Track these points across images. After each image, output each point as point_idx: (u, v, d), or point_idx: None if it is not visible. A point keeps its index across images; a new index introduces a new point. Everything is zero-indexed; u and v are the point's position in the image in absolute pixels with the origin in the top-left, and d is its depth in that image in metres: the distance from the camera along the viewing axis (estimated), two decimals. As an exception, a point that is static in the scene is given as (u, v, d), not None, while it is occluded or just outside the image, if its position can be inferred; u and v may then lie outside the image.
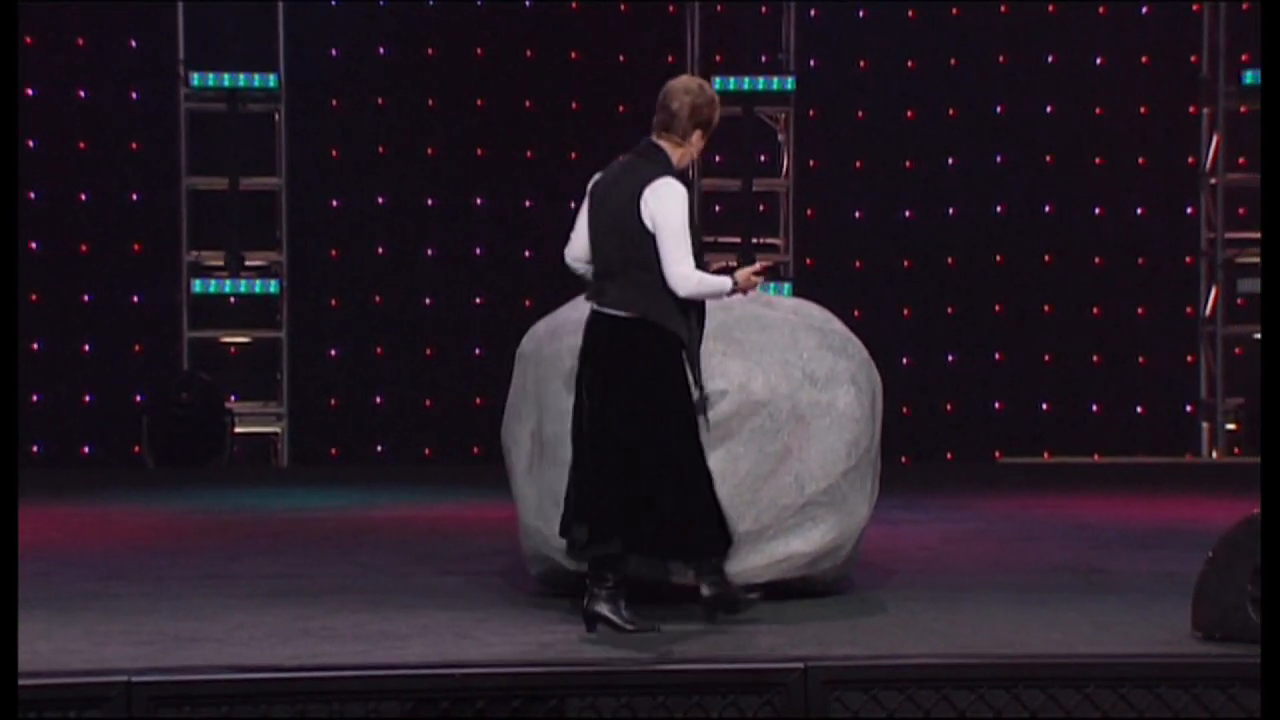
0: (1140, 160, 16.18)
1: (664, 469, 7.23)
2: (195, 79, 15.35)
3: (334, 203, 15.66)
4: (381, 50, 15.64)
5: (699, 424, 7.40)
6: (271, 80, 15.36)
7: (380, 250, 15.69)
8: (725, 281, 7.45)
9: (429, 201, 15.72)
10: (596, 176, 7.64)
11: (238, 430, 15.37)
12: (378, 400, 15.65)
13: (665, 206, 7.33)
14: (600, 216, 7.46)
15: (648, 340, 7.28)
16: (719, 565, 7.53)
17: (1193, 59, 16.22)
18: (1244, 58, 16.14)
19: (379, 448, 15.64)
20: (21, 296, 14.16)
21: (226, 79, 15.33)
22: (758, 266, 7.65)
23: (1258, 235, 16.27)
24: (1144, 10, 16.18)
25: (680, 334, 7.31)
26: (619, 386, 7.26)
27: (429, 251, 15.73)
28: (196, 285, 15.38)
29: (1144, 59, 16.15)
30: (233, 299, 15.51)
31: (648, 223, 7.32)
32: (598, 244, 7.44)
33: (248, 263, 15.50)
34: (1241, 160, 16.33)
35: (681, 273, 7.30)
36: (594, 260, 7.46)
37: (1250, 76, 15.99)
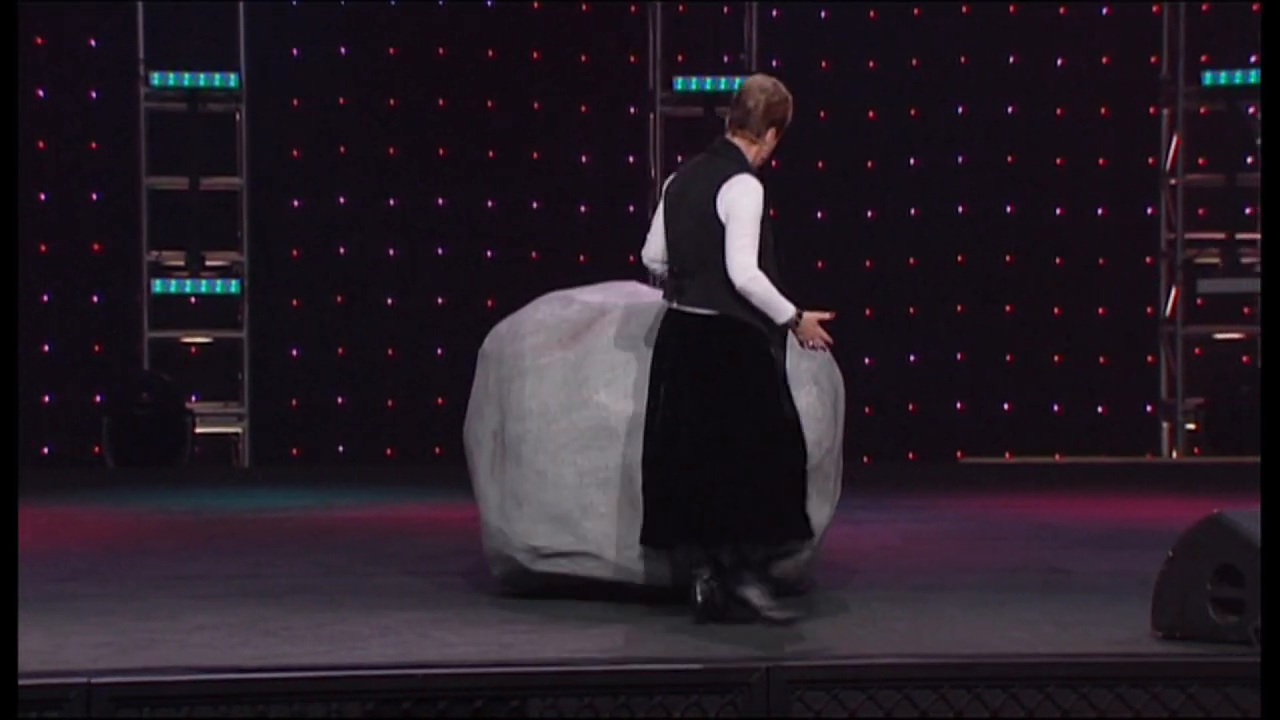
0: (1101, 161, 16.23)
1: (757, 461, 7.30)
2: (155, 78, 15.30)
3: (295, 203, 15.62)
4: (343, 50, 15.60)
5: (793, 412, 7.44)
6: (232, 80, 15.31)
7: (342, 250, 15.65)
8: (787, 307, 7.41)
9: (390, 201, 15.69)
10: (671, 177, 7.76)
11: (198, 430, 15.32)
12: (339, 400, 15.62)
13: (740, 200, 7.43)
14: (677, 216, 7.55)
15: (732, 336, 7.37)
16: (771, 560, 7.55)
17: (1152, 60, 16.28)
18: (1203, 59, 16.21)
19: (340, 448, 15.61)
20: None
21: (187, 79, 15.28)
22: (827, 315, 7.57)
23: (1218, 236, 16.35)
24: (1104, 11, 16.24)
25: (762, 327, 7.39)
26: (706, 384, 7.35)
27: (390, 251, 15.70)
28: (157, 285, 15.32)
29: (1104, 60, 16.21)
30: (193, 299, 15.46)
31: (723, 217, 7.41)
32: (675, 243, 7.52)
33: (208, 263, 15.45)
34: (1201, 161, 16.40)
35: (742, 262, 7.35)
36: (672, 260, 7.54)
37: (1209, 78, 16.06)
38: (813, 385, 8.04)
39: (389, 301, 15.71)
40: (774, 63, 16.03)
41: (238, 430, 15.52)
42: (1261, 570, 5.26)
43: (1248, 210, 16.35)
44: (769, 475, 7.34)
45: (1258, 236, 16.37)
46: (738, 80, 15.97)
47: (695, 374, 7.36)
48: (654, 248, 7.63)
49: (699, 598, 7.43)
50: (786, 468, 7.38)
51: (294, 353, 15.61)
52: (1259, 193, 16.14)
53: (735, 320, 7.35)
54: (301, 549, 9.99)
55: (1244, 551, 6.76)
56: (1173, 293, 16.36)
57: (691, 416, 7.35)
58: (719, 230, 7.39)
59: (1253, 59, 16.22)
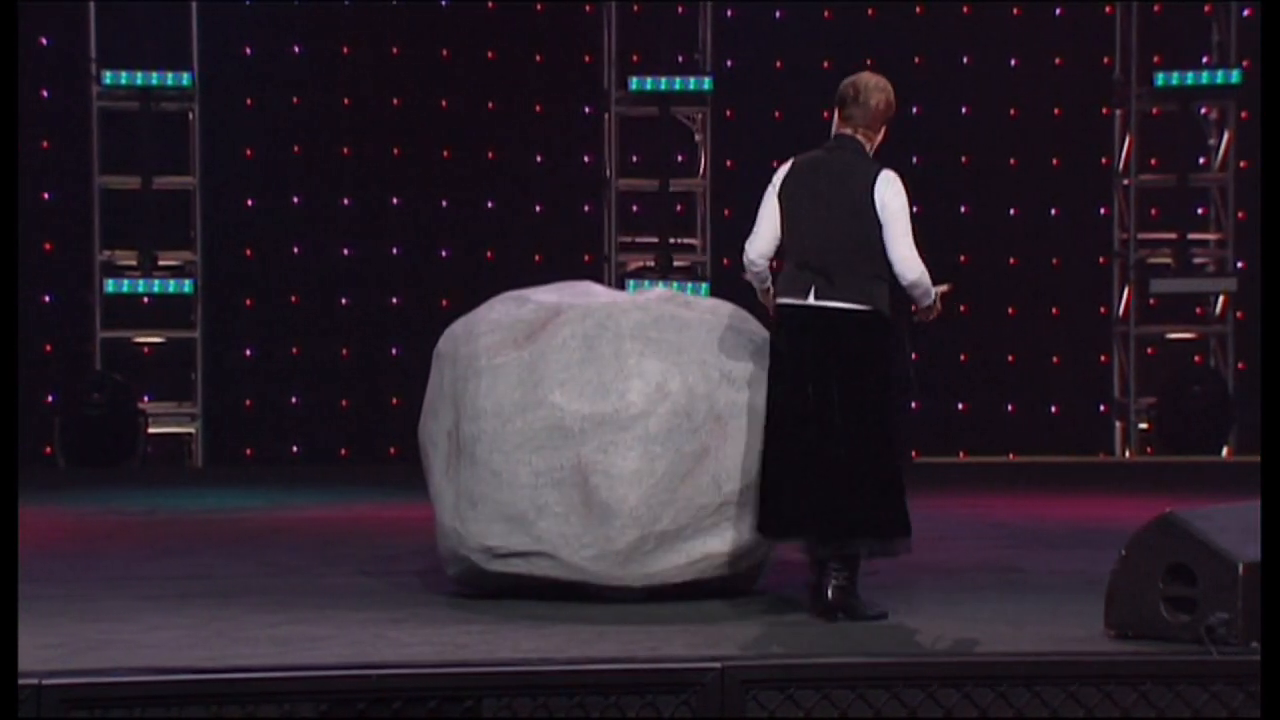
0: (1054, 161, 16.30)
1: (897, 456, 7.72)
2: (108, 77, 15.23)
3: (249, 202, 15.57)
4: (296, 49, 15.56)
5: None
6: (185, 79, 15.25)
7: (295, 250, 15.61)
8: (932, 289, 7.75)
9: (345, 201, 15.65)
10: (784, 174, 7.87)
11: (151, 431, 15.26)
12: (293, 400, 15.58)
13: (898, 196, 7.65)
14: (814, 212, 7.68)
15: (882, 332, 7.58)
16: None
17: (1105, 61, 16.35)
18: (1155, 59, 16.29)
19: (294, 448, 15.56)
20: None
21: (139, 77, 15.21)
22: (946, 288, 7.87)
23: (1170, 236, 16.43)
24: (1058, 12, 16.30)
25: (895, 322, 7.60)
26: (861, 380, 7.53)
27: (345, 251, 15.66)
28: (109, 285, 15.25)
29: (1057, 61, 16.27)
30: (146, 299, 15.39)
31: (879, 212, 7.56)
32: (814, 240, 7.63)
33: (161, 262, 15.39)
34: (1153, 161, 16.47)
35: (911, 255, 7.61)
36: (803, 255, 7.65)
37: (1161, 78, 16.13)
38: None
39: (343, 301, 15.67)
40: (728, 63, 16.06)
41: (191, 430, 15.47)
42: (1262, 570, 5.28)
43: (1200, 210, 16.43)
44: (899, 471, 7.69)
45: (1210, 236, 16.46)
46: (692, 81, 16.07)
47: (850, 369, 7.54)
48: (767, 245, 7.76)
49: (830, 594, 7.53)
50: (903, 464, 7.83)
51: (247, 352, 15.55)
52: (1207, 194, 16.25)
53: (883, 315, 7.59)
54: (255, 549, 9.96)
55: (1196, 551, 6.79)
56: (1125, 292, 16.42)
57: (848, 411, 7.50)
58: (874, 223, 7.57)
59: (1205, 59, 16.30)
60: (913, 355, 7.96)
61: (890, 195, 7.64)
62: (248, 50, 15.51)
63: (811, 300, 7.61)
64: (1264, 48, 6.15)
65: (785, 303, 7.71)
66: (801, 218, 7.70)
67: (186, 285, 15.35)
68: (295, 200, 15.60)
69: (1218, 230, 16.38)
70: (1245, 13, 16.20)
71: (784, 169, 7.91)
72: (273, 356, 15.55)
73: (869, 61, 16.09)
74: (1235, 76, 15.95)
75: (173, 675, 4.76)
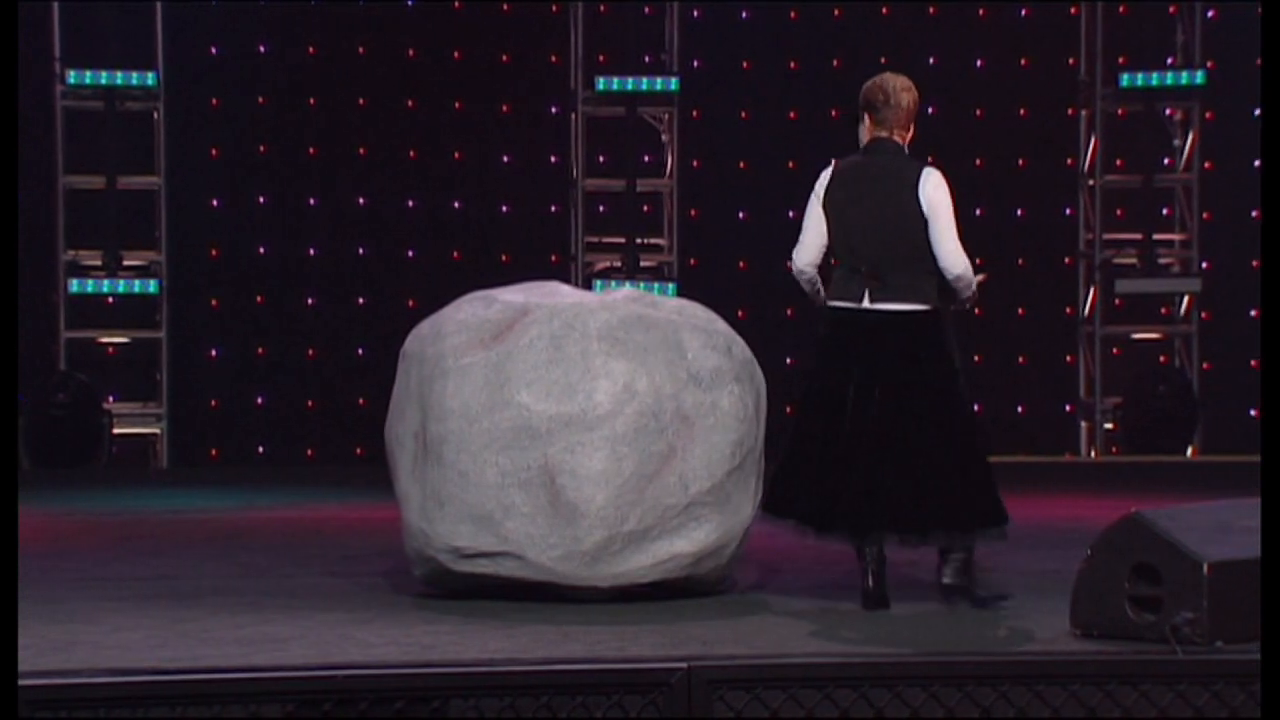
0: (1020, 162, 16.33)
1: (981, 447, 7.90)
2: (72, 76, 15.17)
3: (214, 202, 15.52)
4: (262, 49, 15.52)
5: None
6: (150, 78, 15.20)
7: (261, 250, 15.57)
8: (973, 281, 7.94)
9: (310, 201, 15.62)
10: (826, 181, 8.01)
11: (116, 431, 15.21)
12: (259, 401, 15.54)
13: (941, 194, 7.89)
14: (865, 215, 7.83)
15: (942, 329, 7.78)
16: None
17: (1071, 62, 16.39)
18: (1121, 60, 16.33)
19: (260, 449, 15.52)
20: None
21: (104, 77, 15.16)
22: (983, 278, 8.05)
23: (1136, 236, 16.47)
24: (1023, 13, 16.33)
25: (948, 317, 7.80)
26: (930, 378, 7.72)
27: (311, 251, 15.63)
28: (74, 285, 15.19)
29: (1023, 61, 16.30)
30: (111, 299, 15.34)
31: (926, 211, 7.75)
32: (866, 243, 7.78)
33: (126, 262, 15.34)
34: (1119, 162, 16.52)
35: (958, 250, 7.80)
36: (855, 260, 7.78)
37: (1127, 79, 16.18)
38: (735, 385, 8.07)
39: (309, 301, 15.63)
40: (695, 63, 16.06)
41: (156, 431, 15.42)
42: (1262, 570, 5.31)
43: (1165, 211, 16.49)
44: (982, 463, 7.88)
45: (1175, 237, 16.51)
46: (659, 81, 16.07)
47: (917, 369, 7.70)
48: (815, 253, 7.92)
49: (874, 584, 7.73)
50: (985, 453, 7.99)
51: (213, 353, 15.51)
52: (1172, 194, 16.29)
53: (940, 313, 7.76)
54: (221, 550, 9.93)
55: (1161, 550, 6.81)
56: (1091, 293, 16.47)
57: (920, 410, 7.68)
58: (922, 222, 7.76)
59: (1169, 60, 16.35)
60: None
61: (935, 192, 7.87)
62: (213, 50, 15.46)
63: (866, 304, 7.77)
64: (1264, 48, 6.16)
65: (840, 306, 7.84)
66: (851, 223, 7.85)
67: (151, 285, 15.30)
68: (261, 200, 15.56)
69: (1183, 231, 16.43)
70: (1210, 14, 16.26)
71: (825, 176, 8.05)
72: (238, 357, 15.51)
73: (835, 62, 16.16)
74: (1200, 77, 16.00)
75: (138, 676, 4.74)
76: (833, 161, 8.13)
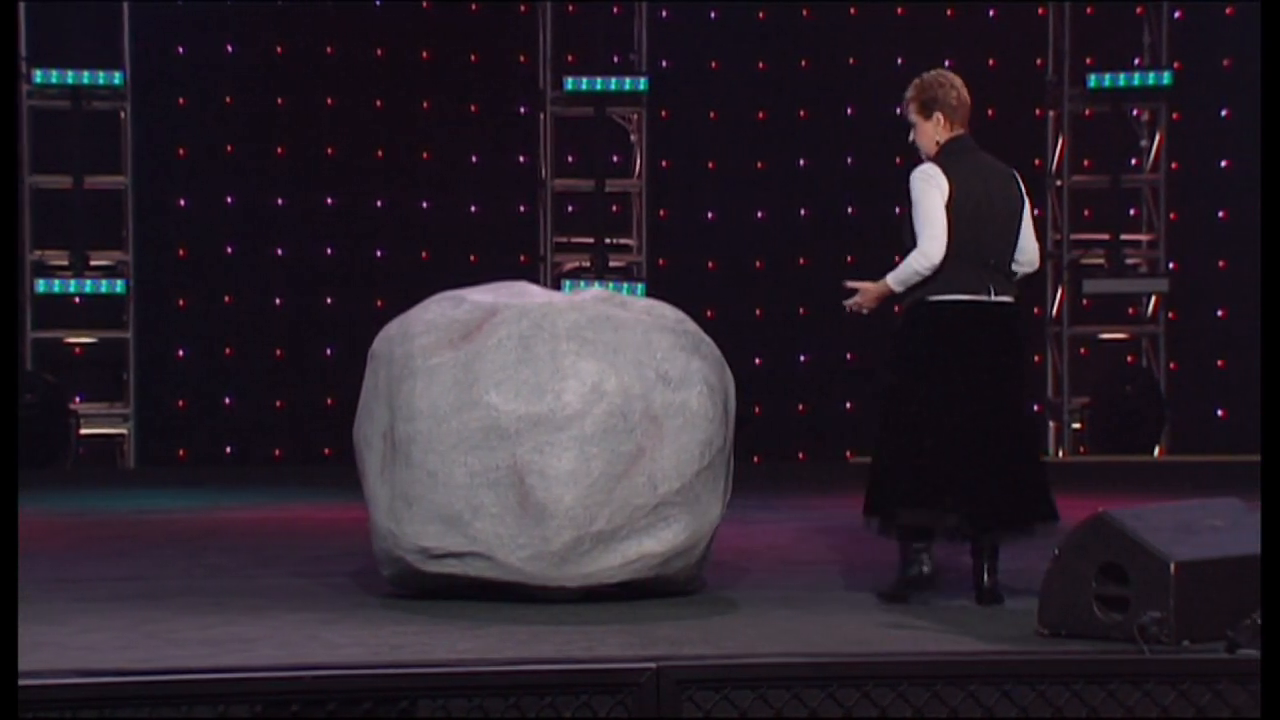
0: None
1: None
2: (38, 76, 15.12)
3: (181, 202, 15.48)
4: (229, 48, 15.48)
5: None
6: (117, 78, 15.16)
7: (229, 250, 15.53)
8: None
9: (278, 201, 15.59)
10: (943, 177, 8.04)
11: (83, 432, 15.16)
12: (226, 401, 15.50)
13: (1025, 193, 8.23)
14: (992, 210, 8.03)
15: (1024, 322, 8.20)
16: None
17: (1038, 63, 16.43)
18: (1088, 61, 16.38)
19: (228, 449, 15.49)
20: None
21: (70, 76, 15.11)
22: None
23: (1103, 237, 16.52)
24: (990, 14, 16.37)
25: None
26: (1023, 369, 8.16)
27: (278, 251, 15.60)
28: (40, 285, 15.14)
29: (991, 62, 16.34)
30: (78, 299, 15.29)
31: (1023, 207, 8.18)
32: (991, 240, 8.00)
33: (93, 262, 15.29)
34: (1086, 163, 16.57)
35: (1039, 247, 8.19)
36: (984, 254, 7.97)
37: (1094, 80, 16.22)
38: (704, 385, 8.07)
39: (277, 302, 15.60)
40: (664, 63, 16.06)
41: (123, 431, 15.37)
42: (1262, 570, 5.32)
43: (1132, 211, 16.54)
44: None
45: (1142, 237, 16.57)
46: (628, 81, 16.07)
47: (1016, 360, 8.06)
48: (946, 245, 7.98)
49: (990, 579, 7.90)
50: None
51: (180, 353, 15.47)
52: (1139, 195, 16.34)
53: (1022, 307, 8.14)
54: (188, 551, 9.90)
55: (1128, 550, 6.83)
56: (1059, 293, 16.51)
57: (1016, 402, 8.00)
58: (1021, 220, 8.11)
59: (1136, 61, 16.40)
60: None
61: (1022, 192, 8.23)
62: (180, 49, 15.42)
63: (992, 296, 7.96)
64: (1264, 48, 6.16)
65: (960, 299, 7.95)
66: (982, 218, 7.99)
67: (118, 285, 15.25)
68: (228, 200, 15.53)
69: (1150, 231, 16.48)
70: (1176, 14, 16.31)
71: (938, 173, 8.07)
72: (206, 357, 15.48)
73: (803, 63, 16.19)
74: (1166, 78, 16.06)
75: (104, 678, 4.72)
76: (927, 160, 8.13)
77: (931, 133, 8.15)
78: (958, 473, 7.87)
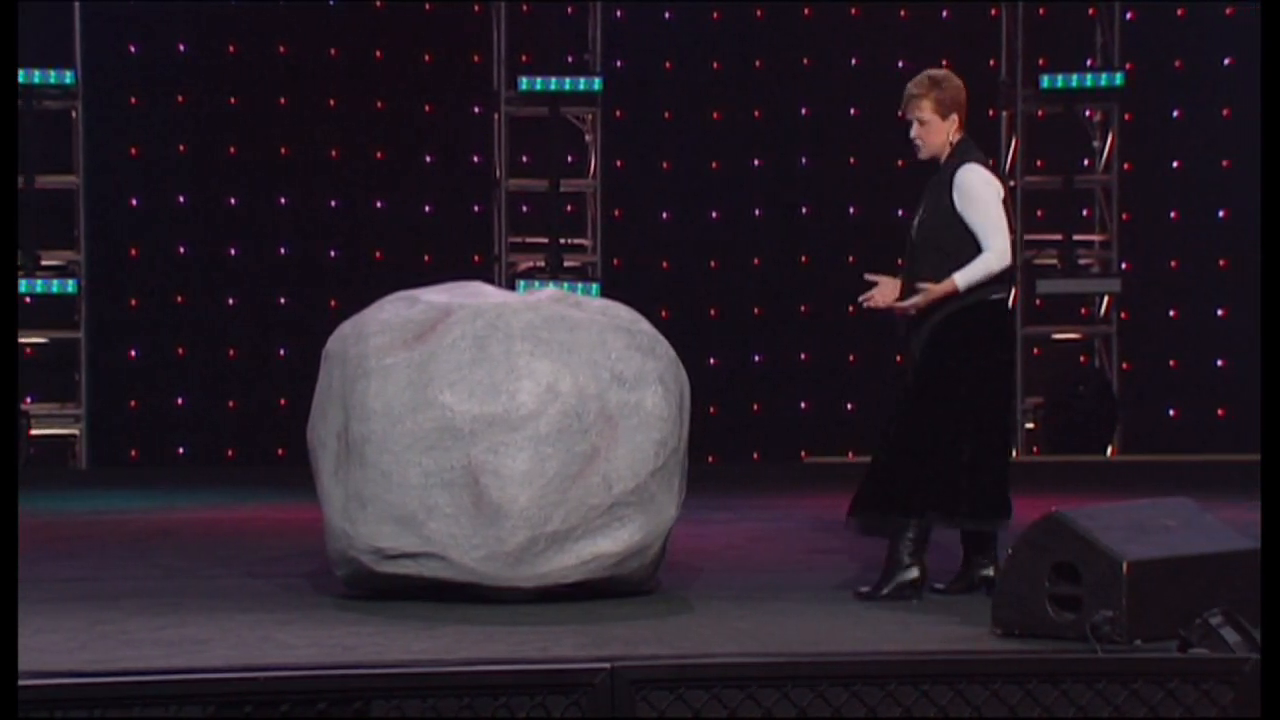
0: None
1: None
2: (-10, 74, 15.03)
3: (133, 201, 15.41)
4: (181, 47, 15.42)
5: None
6: (68, 77, 15.09)
7: (181, 250, 15.47)
8: None
9: (231, 201, 15.53)
10: (996, 180, 8.22)
11: (34, 432, 15.08)
12: (179, 402, 15.43)
13: None
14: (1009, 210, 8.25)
15: None
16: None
17: (991, 63, 16.47)
18: (1041, 62, 16.43)
19: (180, 449, 15.42)
20: None
21: (21, 75, 15.03)
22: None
23: (1056, 237, 16.58)
24: (944, 14, 16.41)
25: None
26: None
27: (231, 251, 15.54)
28: (-9, 285, 15.06)
29: (944, 63, 16.34)
30: (29, 299, 15.21)
31: None
32: (1016, 243, 8.36)
33: (44, 262, 15.21)
34: (1039, 163, 16.62)
35: None
36: (1015, 254, 8.23)
37: (1047, 81, 16.28)
38: (658, 385, 8.07)
39: (230, 301, 15.54)
40: (618, 63, 16.06)
41: (75, 432, 15.30)
42: (1262, 570, 5.34)
43: (1085, 212, 16.60)
44: None
45: (1095, 238, 16.63)
46: (582, 81, 16.06)
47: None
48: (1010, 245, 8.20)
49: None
50: None
51: (133, 353, 15.40)
52: (1092, 195, 16.41)
53: None
54: (141, 552, 9.87)
55: (1081, 549, 6.86)
56: (1012, 293, 16.54)
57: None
58: None
59: (1089, 62, 16.47)
60: None
61: None
62: (131, 48, 15.35)
63: (1007, 296, 8.27)
64: (1264, 47, 6.19)
65: (1002, 299, 8.18)
66: (1011, 220, 8.22)
67: (70, 285, 15.18)
68: (181, 200, 15.46)
69: (1102, 232, 16.55)
70: (1128, 16, 16.38)
71: (993, 177, 8.19)
72: (158, 357, 15.40)
73: (757, 63, 16.21)
74: (1119, 79, 16.12)
75: (56, 679, 4.70)
76: (976, 163, 8.20)
77: (945, 132, 8.16)
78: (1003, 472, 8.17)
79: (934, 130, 8.15)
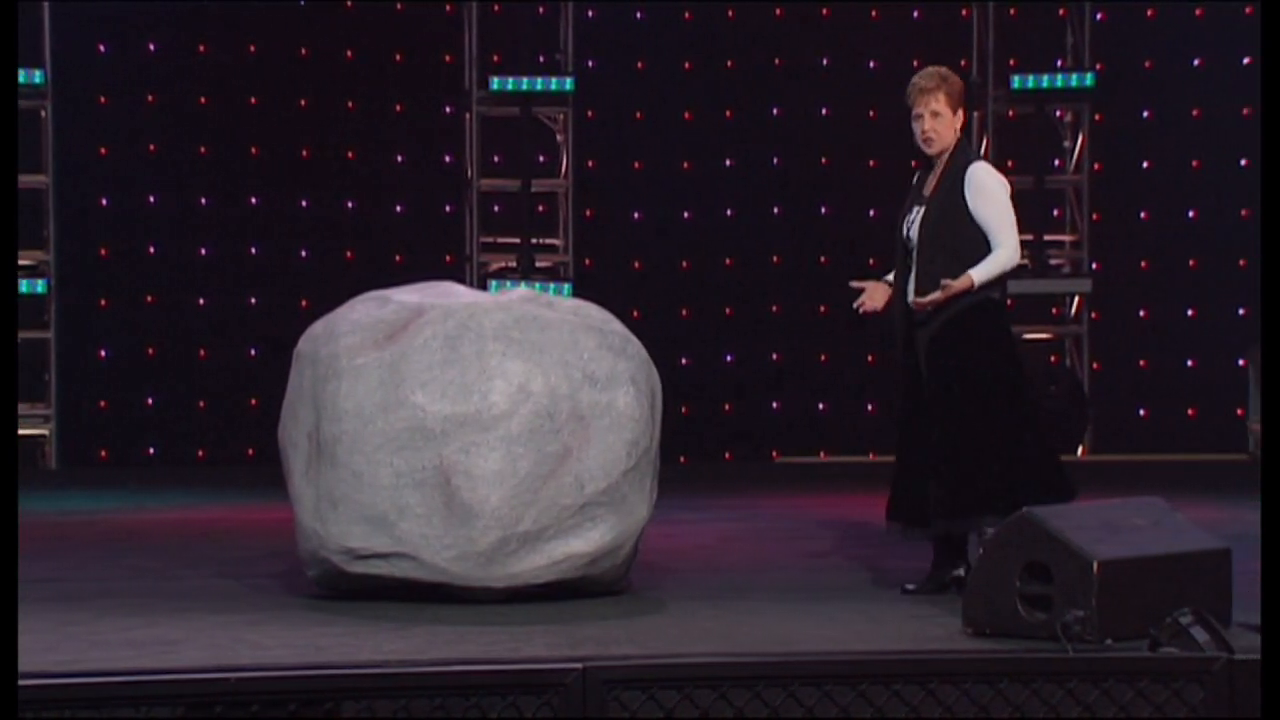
0: (913, 163, 16.39)
1: None
2: (-42, 74, 14.98)
3: (103, 201, 15.37)
4: (151, 47, 15.38)
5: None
6: (38, 76, 15.03)
7: (152, 249, 15.42)
8: None
9: (202, 200, 15.49)
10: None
11: (4, 433, 15.02)
12: (149, 402, 15.39)
13: None
14: None
15: None
16: None
17: (962, 64, 16.50)
18: (1011, 62, 16.47)
19: (150, 450, 15.38)
20: None
21: (-9, 73, 14.97)
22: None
23: (1027, 238, 16.57)
24: (915, 15, 16.44)
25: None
26: None
27: (202, 251, 15.50)
28: (-40, 284, 15.01)
29: (915, 63, 16.35)
30: (-2, 298, 15.15)
31: None
32: None
33: (14, 262, 15.17)
34: (1010, 163, 16.63)
35: None
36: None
37: (1018, 81, 16.32)
38: (630, 385, 8.07)
39: (200, 301, 15.50)
40: (589, 63, 16.06)
41: (44, 432, 15.25)
42: (1262, 569, 5.36)
43: (1055, 212, 16.64)
44: None
45: (1065, 238, 16.67)
46: (554, 81, 16.05)
47: None
48: None
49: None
50: None
51: (102, 353, 15.36)
52: (1063, 195, 16.44)
53: None
54: (111, 552, 9.84)
55: (1052, 549, 6.87)
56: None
57: None
58: None
59: (1059, 63, 16.51)
60: None
61: None
62: (101, 48, 15.31)
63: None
64: (1264, 48, 6.20)
65: (1004, 298, 8.22)
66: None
67: (40, 285, 15.13)
68: (151, 199, 15.42)
69: (1073, 232, 16.59)
70: (1099, 17, 16.43)
71: (1001, 176, 8.21)
72: (128, 357, 15.36)
73: (728, 64, 16.22)
74: (1089, 80, 16.17)
75: (25, 680, 4.68)
76: (982, 159, 8.27)
77: (954, 127, 8.16)
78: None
79: (947, 124, 8.15)
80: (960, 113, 8.19)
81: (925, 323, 8.12)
